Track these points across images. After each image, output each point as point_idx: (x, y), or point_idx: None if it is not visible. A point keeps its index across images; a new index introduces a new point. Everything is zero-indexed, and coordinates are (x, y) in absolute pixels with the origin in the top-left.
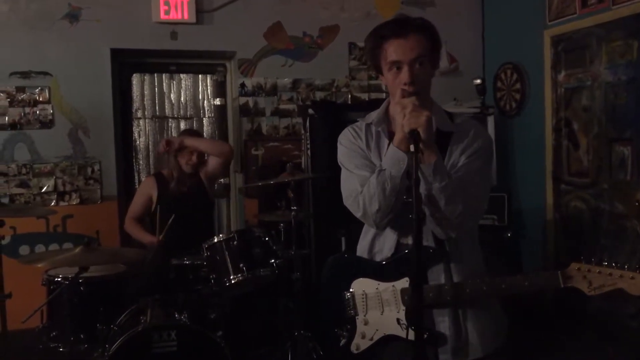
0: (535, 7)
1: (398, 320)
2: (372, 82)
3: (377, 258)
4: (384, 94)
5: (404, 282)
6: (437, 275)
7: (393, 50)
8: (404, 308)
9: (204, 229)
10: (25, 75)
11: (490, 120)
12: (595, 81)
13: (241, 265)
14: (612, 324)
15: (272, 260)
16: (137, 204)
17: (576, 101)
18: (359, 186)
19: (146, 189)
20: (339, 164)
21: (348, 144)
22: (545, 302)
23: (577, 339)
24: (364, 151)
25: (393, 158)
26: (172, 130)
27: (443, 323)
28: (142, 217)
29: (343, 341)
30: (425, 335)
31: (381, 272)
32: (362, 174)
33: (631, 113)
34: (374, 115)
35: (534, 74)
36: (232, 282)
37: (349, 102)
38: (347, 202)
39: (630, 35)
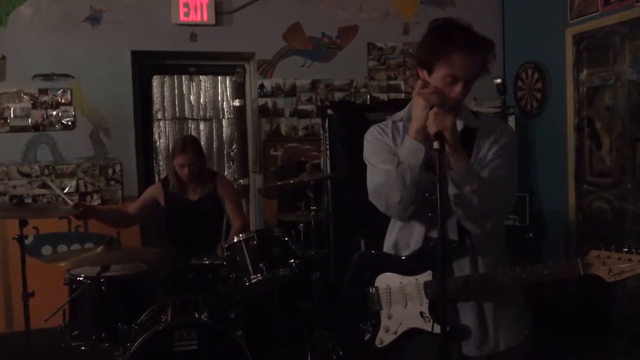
0: (557, 5)
1: (421, 313)
2: (391, 82)
3: (404, 253)
4: (403, 94)
5: (427, 275)
6: (462, 267)
7: (456, 64)
8: (427, 301)
9: (217, 235)
10: (47, 77)
11: (511, 120)
12: (619, 80)
13: (261, 265)
14: (636, 326)
15: (292, 260)
16: (137, 201)
17: (599, 100)
18: (383, 180)
19: (151, 191)
20: (365, 160)
21: (374, 140)
22: (568, 304)
23: (600, 342)
24: (390, 147)
25: (410, 149)
26: (192, 131)
27: (467, 315)
28: (139, 216)
29: (368, 336)
30: (449, 329)
31: (404, 266)
32: (388, 168)
33: None
34: (402, 113)
35: (556, 73)
36: (252, 281)
37: (368, 103)
38: (372, 197)
39: None
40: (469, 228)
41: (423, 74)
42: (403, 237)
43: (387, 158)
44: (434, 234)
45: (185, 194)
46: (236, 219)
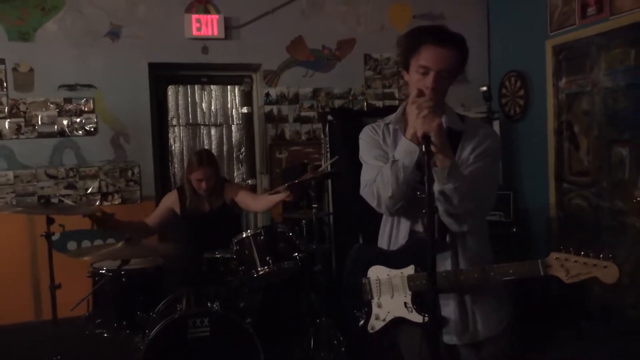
0: (538, 18)
1: (405, 304)
2: (386, 90)
3: (394, 247)
4: (397, 101)
5: (410, 269)
6: (444, 262)
7: (428, 56)
8: (410, 293)
9: (228, 239)
10: (72, 87)
11: (496, 125)
12: (595, 87)
13: (267, 258)
14: (613, 314)
15: (296, 254)
16: (155, 212)
17: (577, 106)
18: (375, 176)
19: (167, 201)
20: (360, 160)
21: (367, 138)
22: (547, 294)
23: (578, 330)
24: (381, 145)
25: (406, 150)
26: (204, 136)
27: (448, 307)
28: (158, 226)
29: (361, 322)
30: (429, 318)
31: (391, 260)
32: (379, 164)
33: (629, 116)
34: (392, 116)
35: (537, 81)
36: (259, 273)
37: (365, 109)
38: (363, 191)
39: (628, 44)
40: (449, 225)
41: (406, 75)
42: (393, 232)
43: (378, 154)
44: (418, 227)
45: (199, 207)
46: (252, 205)
